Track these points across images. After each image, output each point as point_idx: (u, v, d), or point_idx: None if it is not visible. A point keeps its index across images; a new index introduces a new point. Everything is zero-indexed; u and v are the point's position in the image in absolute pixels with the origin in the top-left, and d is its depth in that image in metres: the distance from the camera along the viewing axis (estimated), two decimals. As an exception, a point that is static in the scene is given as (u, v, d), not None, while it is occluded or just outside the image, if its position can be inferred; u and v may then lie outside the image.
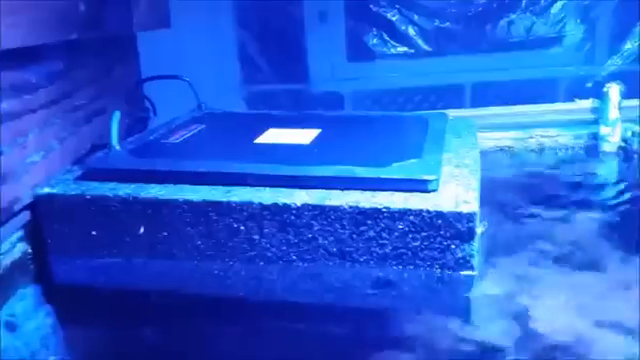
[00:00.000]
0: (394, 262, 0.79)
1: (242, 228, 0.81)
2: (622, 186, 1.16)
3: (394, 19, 1.87)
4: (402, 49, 1.89)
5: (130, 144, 0.99)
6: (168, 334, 0.75)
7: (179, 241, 0.83)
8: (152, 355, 0.71)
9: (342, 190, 0.81)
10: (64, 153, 0.97)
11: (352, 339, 0.73)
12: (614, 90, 1.31)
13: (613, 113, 1.31)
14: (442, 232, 0.77)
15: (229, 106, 1.42)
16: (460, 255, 0.77)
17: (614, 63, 1.79)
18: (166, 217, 0.83)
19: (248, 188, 0.83)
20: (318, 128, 1.06)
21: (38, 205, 0.86)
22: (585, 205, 1.06)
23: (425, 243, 0.78)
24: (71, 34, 0.95)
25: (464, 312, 0.77)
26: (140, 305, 0.81)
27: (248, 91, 1.92)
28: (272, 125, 1.08)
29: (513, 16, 1.85)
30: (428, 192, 0.80)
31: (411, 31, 1.87)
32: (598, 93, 1.36)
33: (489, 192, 0.94)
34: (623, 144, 1.31)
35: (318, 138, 1.01)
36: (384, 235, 0.78)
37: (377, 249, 0.79)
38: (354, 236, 0.79)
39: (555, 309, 0.73)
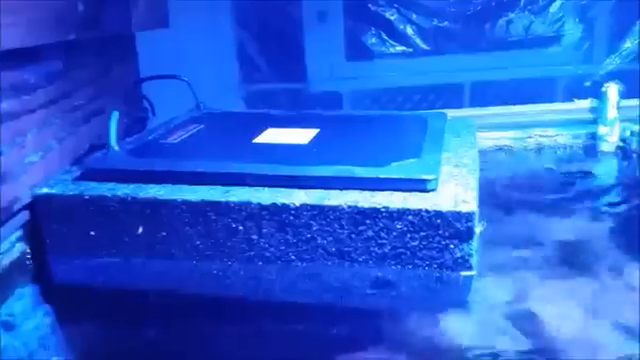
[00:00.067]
0: (393, 262, 0.79)
1: (241, 228, 0.81)
2: (620, 186, 1.16)
3: (392, 18, 1.87)
4: (400, 48, 1.89)
5: (129, 144, 0.99)
6: (167, 334, 0.75)
7: (178, 241, 0.83)
8: (151, 355, 0.71)
9: (341, 190, 0.81)
10: (63, 153, 0.97)
11: (351, 339, 0.73)
12: (612, 90, 1.31)
13: (612, 113, 1.31)
14: (441, 232, 0.77)
15: (228, 106, 1.42)
16: (459, 255, 0.77)
17: (612, 62, 1.79)
18: (165, 217, 0.83)
19: (247, 188, 0.83)
20: (317, 128, 1.06)
21: (37, 205, 0.86)
22: (583, 205, 1.06)
23: (424, 243, 0.78)
24: (69, 34, 0.95)
25: (463, 312, 0.77)
26: (139, 305, 0.81)
27: (247, 91, 1.92)
28: (271, 125, 1.08)
29: (512, 15, 1.85)
30: (427, 192, 0.80)
31: (409, 30, 1.87)
32: (596, 92, 1.36)
33: (488, 192, 0.94)
34: (622, 144, 1.31)
35: (317, 138, 1.01)
36: (383, 235, 0.78)
37: (376, 249, 0.79)
38: (353, 236, 0.79)
39: (555, 310, 0.73)
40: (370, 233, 0.78)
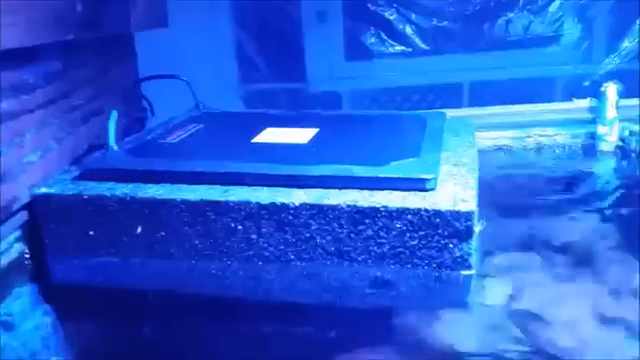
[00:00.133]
0: (392, 261, 0.79)
1: (240, 228, 0.81)
2: (619, 185, 1.16)
3: (392, 18, 1.87)
4: (400, 48, 1.89)
5: (127, 144, 0.99)
6: (166, 334, 0.75)
7: (177, 241, 0.83)
8: (150, 355, 0.71)
9: (340, 189, 0.81)
10: (61, 153, 0.97)
11: (350, 339, 0.73)
12: (611, 89, 1.31)
13: (611, 112, 1.31)
14: (440, 231, 0.77)
15: (227, 105, 1.42)
16: (458, 254, 0.77)
17: (612, 62, 1.79)
18: (164, 217, 0.82)
19: (246, 188, 0.83)
20: (316, 127, 1.05)
21: (35, 205, 0.86)
22: (582, 204, 1.06)
23: (423, 242, 0.78)
24: (68, 34, 0.95)
25: (462, 311, 0.77)
26: (138, 305, 0.81)
27: (246, 90, 1.92)
28: (270, 124, 1.08)
29: (511, 15, 1.85)
30: (426, 191, 0.80)
31: (409, 30, 1.87)
32: (596, 92, 1.36)
33: (487, 191, 0.93)
34: (621, 143, 1.31)
35: (316, 137, 1.01)
36: (382, 234, 0.78)
37: (375, 248, 0.79)
38: (352, 235, 0.79)
39: (555, 309, 0.73)
40: (369, 232, 0.78)
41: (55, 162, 0.94)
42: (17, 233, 0.85)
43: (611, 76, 1.47)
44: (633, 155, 1.28)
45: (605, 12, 1.82)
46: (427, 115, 1.14)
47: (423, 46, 1.89)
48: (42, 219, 0.86)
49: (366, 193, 0.80)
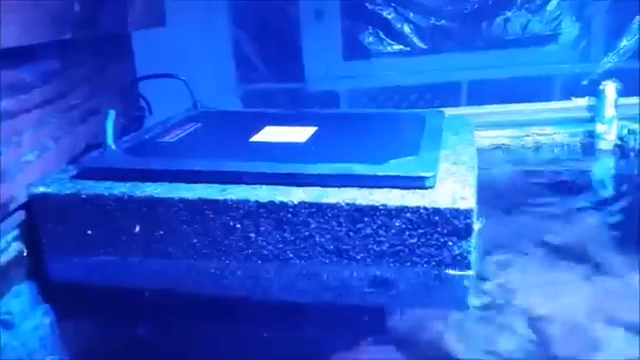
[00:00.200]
0: (391, 259, 0.79)
1: (238, 226, 0.81)
2: (618, 183, 1.16)
3: (390, 17, 1.87)
4: (398, 47, 1.89)
5: (125, 143, 0.99)
6: (164, 333, 0.75)
7: (175, 240, 0.83)
8: (148, 354, 0.71)
9: (339, 188, 0.81)
10: (59, 152, 0.96)
11: (349, 338, 0.73)
12: (610, 88, 1.31)
13: (609, 111, 1.31)
14: (439, 229, 0.77)
15: (225, 105, 1.41)
16: (457, 252, 0.77)
17: (610, 60, 1.79)
18: (162, 216, 0.82)
19: (244, 186, 0.83)
20: (314, 126, 1.05)
21: (33, 204, 0.86)
22: (581, 203, 1.06)
23: (422, 240, 0.77)
24: (65, 33, 0.94)
25: (462, 309, 0.77)
26: (136, 304, 0.81)
27: (244, 90, 1.91)
28: (268, 123, 1.08)
29: (509, 14, 1.84)
30: (425, 189, 0.80)
31: (407, 29, 1.87)
32: (594, 91, 1.36)
33: (486, 190, 0.93)
34: (619, 142, 1.31)
35: (314, 136, 1.01)
36: (381, 232, 0.78)
37: (374, 246, 0.79)
38: (351, 234, 0.79)
39: (554, 309, 0.73)
40: (368, 231, 0.78)
41: (53, 161, 0.94)
42: (15, 232, 0.85)
43: (609, 75, 1.47)
44: (632, 154, 1.28)
45: (603, 11, 1.81)
46: (426, 113, 1.14)
47: (421, 45, 1.88)
48: (40, 218, 0.86)
49: (365, 191, 0.80)
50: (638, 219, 0.99)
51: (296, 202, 0.79)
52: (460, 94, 1.89)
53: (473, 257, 0.78)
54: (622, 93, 1.32)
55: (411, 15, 1.86)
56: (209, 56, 1.75)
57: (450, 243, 0.77)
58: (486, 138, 1.35)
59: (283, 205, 0.79)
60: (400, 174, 0.81)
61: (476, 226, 0.78)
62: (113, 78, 1.19)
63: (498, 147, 1.36)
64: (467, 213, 0.75)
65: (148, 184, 0.85)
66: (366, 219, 0.78)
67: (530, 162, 1.30)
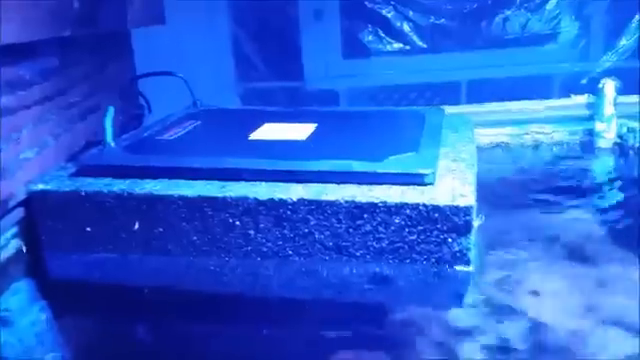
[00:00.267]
0: (391, 256, 0.79)
1: (238, 223, 0.81)
2: (617, 181, 1.16)
3: (389, 16, 1.87)
4: (397, 46, 1.89)
5: (125, 141, 0.98)
6: (164, 330, 0.75)
7: (174, 237, 0.83)
8: (147, 351, 0.71)
9: (338, 184, 0.81)
10: (58, 149, 0.96)
11: (349, 336, 0.73)
12: (609, 86, 1.31)
13: (608, 109, 1.31)
14: (439, 226, 0.76)
15: (224, 103, 1.41)
16: (457, 249, 0.77)
17: (609, 59, 1.79)
18: (161, 213, 0.82)
19: (243, 183, 0.83)
20: (314, 123, 1.05)
21: (32, 201, 0.86)
22: (580, 201, 1.06)
23: (422, 237, 0.77)
24: (65, 31, 0.94)
25: (461, 305, 0.77)
26: (135, 301, 0.81)
27: (243, 88, 1.91)
28: (267, 121, 1.08)
29: (508, 13, 1.85)
30: (425, 186, 0.80)
31: (406, 28, 1.87)
32: (593, 89, 1.36)
33: (485, 188, 0.93)
34: (618, 140, 1.31)
35: (314, 133, 1.01)
36: (380, 229, 0.78)
37: (374, 243, 0.79)
38: (350, 230, 0.79)
39: (553, 309, 0.73)
40: (368, 227, 0.78)
41: (52, 158, 0.94)
42: (14, 229, 0.85)
43: (608, 74, 1.47)
44: (631, 152, 1.28)
45: (602, 10, 1.81)
46: (426, 111, 1.14)
47: (421, 44, 1.88)
48: (39, 215, 0.86)
49: (364, 188, 0.80)
50: (637, 217, 0.99)
51: (295, 199, 0.79)
52: (460, 93, 1.89)
53: (472, 254, 0.77)
54: (621, 91, 1.32)
55: (411, 14, 1.86)
56: (209, 54, 1.75)
57: (450, 240, 0.77)
58: (486, 136, 1.35)
59: (282, 202, 0.79)
60: (400, 171, 0.81)
61: (475, 223, 0.78)
62: (113, 76, 1.19)
63: (498, 145, 1.36)
64: (466, 210, 0.75)
65: (147, 181, 0.85)
66: (365, 216, 0.78)
67: (529, 160, 1.30)
